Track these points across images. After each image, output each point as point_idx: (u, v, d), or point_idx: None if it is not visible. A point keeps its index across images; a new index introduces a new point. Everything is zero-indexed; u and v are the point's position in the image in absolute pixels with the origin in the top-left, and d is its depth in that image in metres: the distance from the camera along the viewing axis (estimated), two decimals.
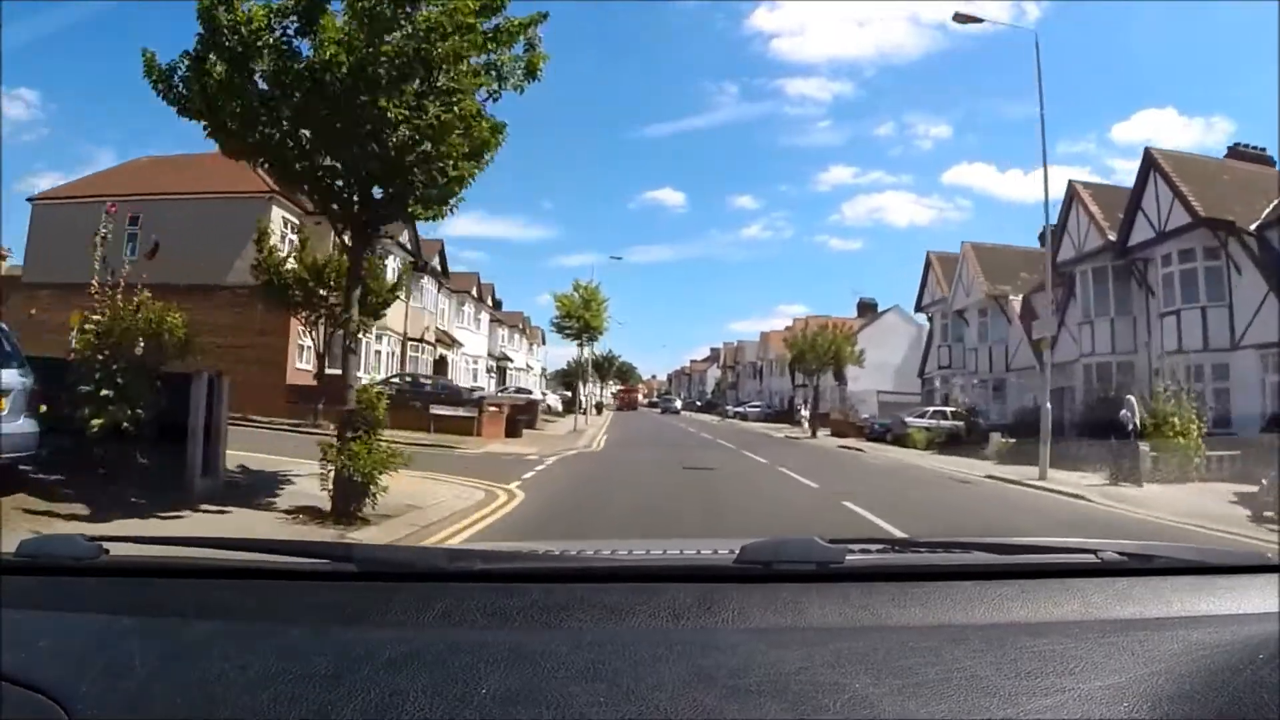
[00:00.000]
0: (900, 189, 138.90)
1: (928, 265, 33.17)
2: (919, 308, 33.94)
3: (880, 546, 1.46)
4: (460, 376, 34.64)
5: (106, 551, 1.19)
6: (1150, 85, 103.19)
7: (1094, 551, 1.25)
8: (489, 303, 43.32)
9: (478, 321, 41.04)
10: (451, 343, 33.02)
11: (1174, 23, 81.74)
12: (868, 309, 57.54)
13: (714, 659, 0.86)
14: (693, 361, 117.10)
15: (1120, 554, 1.25)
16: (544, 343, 74.88)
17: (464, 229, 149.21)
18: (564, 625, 0.98)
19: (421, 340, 28.46)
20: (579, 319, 25.18)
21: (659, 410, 57.95)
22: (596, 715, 0.77)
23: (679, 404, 63.09)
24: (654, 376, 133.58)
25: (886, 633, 0.97)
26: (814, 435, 28.29)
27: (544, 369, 70.41)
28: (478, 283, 39.63)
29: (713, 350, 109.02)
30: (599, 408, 50.97)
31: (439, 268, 31.27)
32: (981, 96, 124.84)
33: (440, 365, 31.89)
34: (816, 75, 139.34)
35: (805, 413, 36.08)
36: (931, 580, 1.15)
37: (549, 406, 34.93)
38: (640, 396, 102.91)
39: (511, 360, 52.85)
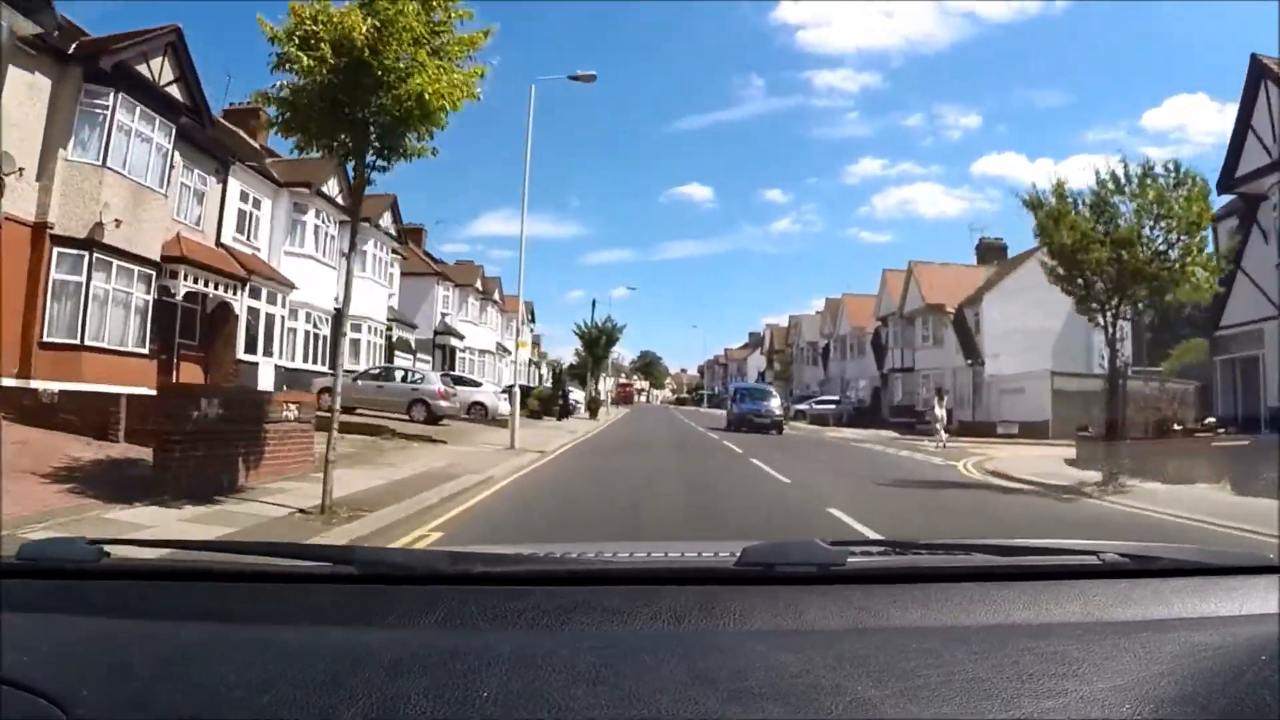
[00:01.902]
0: (930, 180, 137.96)
1: (1258, 76, 16.12)
2: (1230, 184, 17.81)
3: (881, 549, 1.49)
4: (287, 346, 20.02)
5: (107, 554, 1.23)
6: (1181, 71, 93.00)
7: (1095, 553, 1.29)
8: (386, 229, 26.72)
9: (358, 256, 18.62)
10: (244, 279, 17.28)
11: (1203, 6, 74.55)
12: (993, 254, 42.56)
13: (715, 661, 0.89)
14: (728, 350, 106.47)
15: (1121, 555, 1.29)
16: (533, 320, 53.27)
17: (493, 228, 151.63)
18: (565, 628, 1.02)
19: (92, 243, 13.12)
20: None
21: (726, 422, 28.64)
22: (598, 718, 0.81)
23: (777, 404, 28.80)
24: (683, 370, 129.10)
25: (888, 635, 1.00)
26: (1111, 485, 10.98)
27: (545, 360, 58.93)
28: (342, 179, 20.79)
29: (751, 336, 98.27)
30: (593, 407, 38.15)
31: (153, 77, 14.38)
32: (1011, 85, 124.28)
33: (216, 321, 17.03)
34: (844, 67, 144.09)
35: (940, 412, 21.91)
36: (933, 582, 1.19)
37: (486, 412, 22.84)
38: (667, 393, 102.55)
39: (461, 336, 38.76)
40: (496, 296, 46.17)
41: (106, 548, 1.24)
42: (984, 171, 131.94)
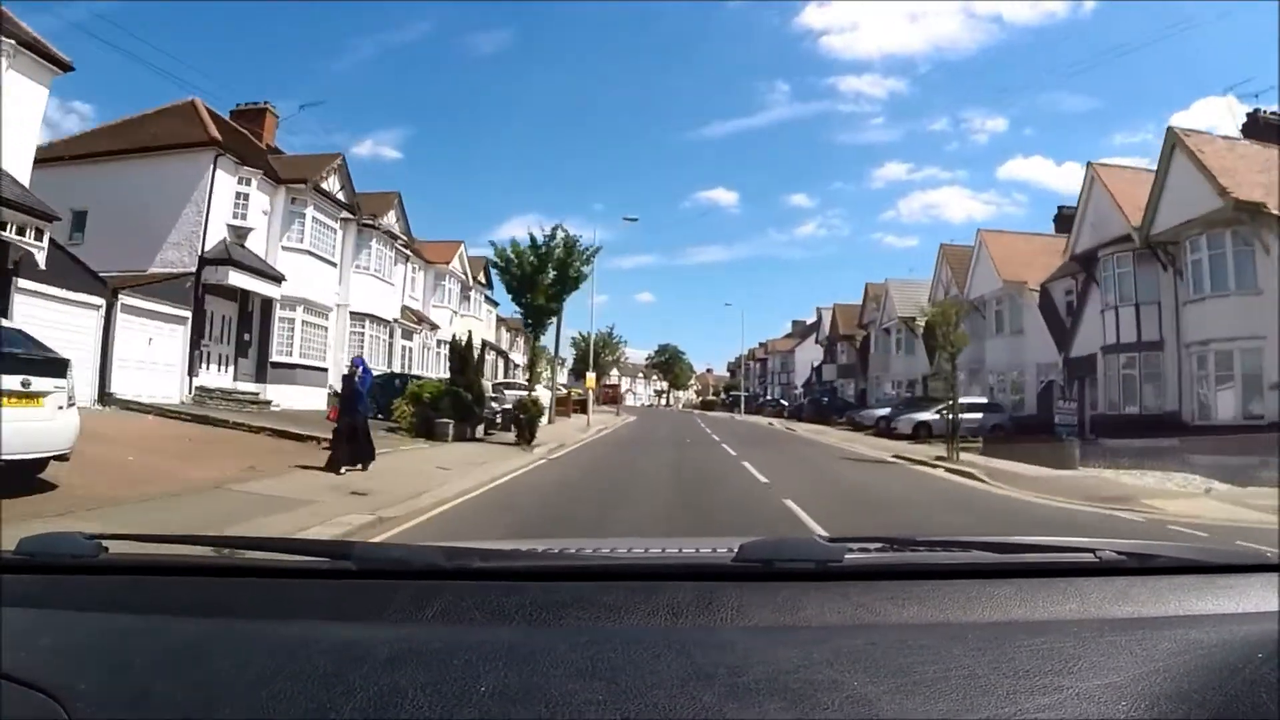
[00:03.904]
0: (956, 184, 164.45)
1: None
2: None
3: (879, 545, 1.64)
4: None
5: (106, 549, 1.34)
6: (1209, 73, 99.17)
7: (1093, 551, 1.40)
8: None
9: None
10: None
11: (1231, 7, 79.63)
12: (1273, 133, 24.60)
13: (713, 657, 0.97)
14: (769, 342, 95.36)
15: (1119, 553, 1.41)
16: (489, 285, 48.66)
17: (518, 233, 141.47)
18: (563, 624, 1.11)
19: None
20: None
21: None
22: (595, 713, 0.87)
23: None
24: (709, 370, 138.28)
25: (885, 631, 1.09)
26: None
27: (544, 358, 40.91)
28: None
29: (796, 325, 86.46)
30: (525, 423, 20.57)
31: None
32: (1038, 89, 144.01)
33: None
34: (870, 72, 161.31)
35: None
36: (931, 579, 1.28)
37: None
38: (691, 395, 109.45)
39: (277, 278, 22.56)
40: (393, 224, 24.63)
41: (105, 543, 1.36)
42: (1010, 175, 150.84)
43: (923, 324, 43.39)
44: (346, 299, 27.72)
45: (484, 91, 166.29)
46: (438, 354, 36.26)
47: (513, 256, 23.84)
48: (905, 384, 43.34)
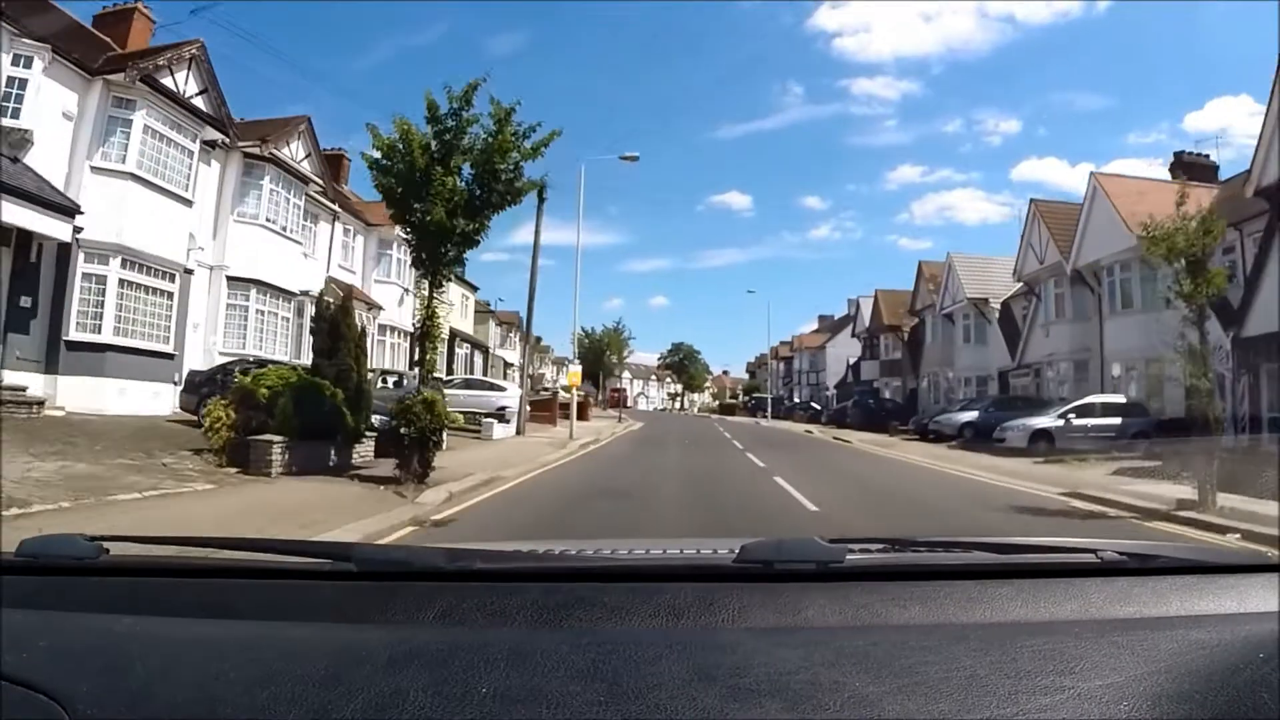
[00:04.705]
0: (970, 186, 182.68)
1: None
2: None
3: (881, 546, 1.76)
4: None
5: (107, 551, 1.44)
6: (1223, 73, 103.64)
7: (1094, 551, 1.49)
8: None
9: None
10: None
11: (1246, 7, 76.06)
12: None
13: (714, 658, 1.03)
14: (792, 340, 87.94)
15: (1120, 553, 1.49)
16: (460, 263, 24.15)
17: (531, 237, 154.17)
18: (564, 625, 1.19)
19: None
20: None
21: None
22: (596, 714, 0.92)
23: None
24: (725, 372, 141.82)
25: (886, 632, 1.17)
26: None
27: (541, 352, 21.21)
28: None
29: (824, 320, 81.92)
30: (417, 443, 11.24)
31: None
32: (1051, 89, 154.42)
33: None
34: (883, 74, 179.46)
35: None
36: (932, 579, 1.36)
37: None
38: (707, 397, 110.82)
39: (69, 211, 13.71)
40: (298, 160, 16.15)
41: (105, 544, 1.43)
42: (1024, 177, 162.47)
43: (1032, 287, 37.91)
44: (221, 258, 20.93)
45: (497, 94, 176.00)
46: (380, 342, 28.87)
47: (399, 144, 11.90)
48: (975, 381, 36.83)
